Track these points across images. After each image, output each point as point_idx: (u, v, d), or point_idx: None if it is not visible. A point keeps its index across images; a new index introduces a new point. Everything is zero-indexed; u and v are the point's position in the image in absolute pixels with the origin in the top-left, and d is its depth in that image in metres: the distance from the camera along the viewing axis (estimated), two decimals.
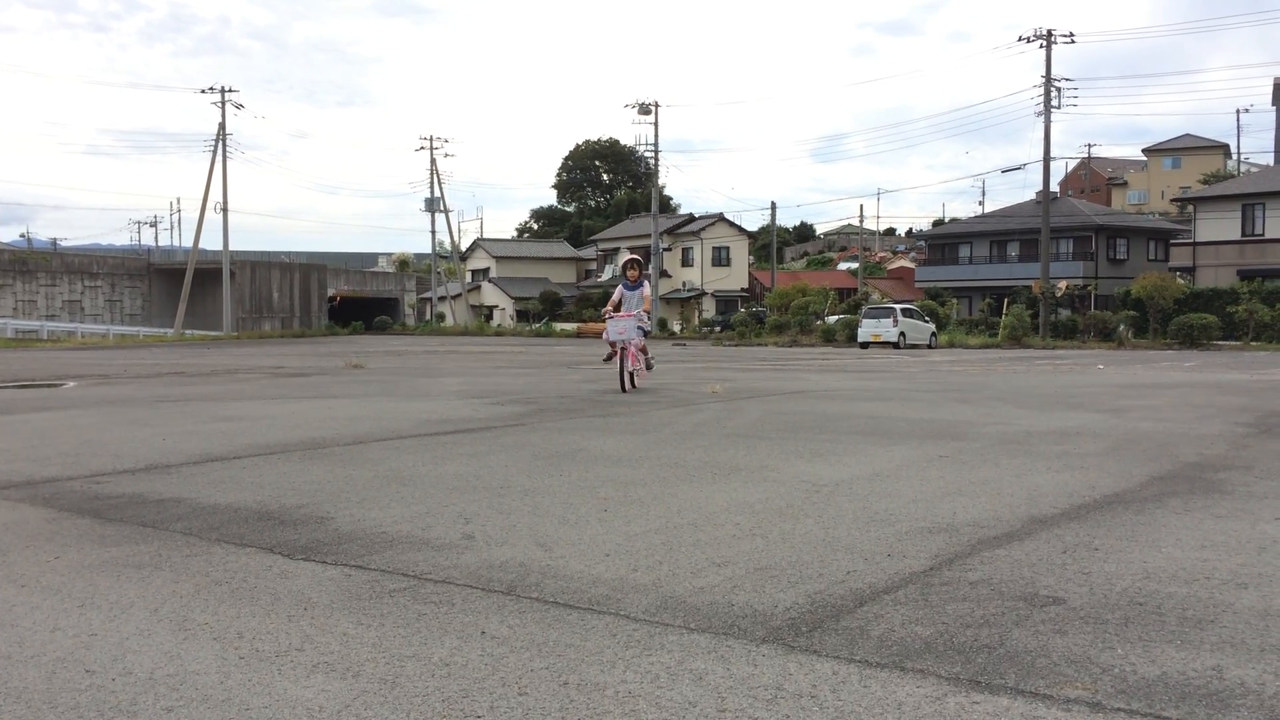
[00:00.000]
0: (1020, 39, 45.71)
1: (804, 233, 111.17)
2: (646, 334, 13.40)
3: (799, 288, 52.95)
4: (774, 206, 70.19)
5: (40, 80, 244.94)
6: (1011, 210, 65.67)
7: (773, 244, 70.66)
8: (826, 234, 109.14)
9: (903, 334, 38.83)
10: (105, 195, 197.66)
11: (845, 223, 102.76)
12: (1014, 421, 9.56)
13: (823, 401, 12.00)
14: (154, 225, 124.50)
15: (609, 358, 13.63)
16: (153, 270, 63.64)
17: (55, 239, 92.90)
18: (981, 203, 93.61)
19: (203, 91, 58.16)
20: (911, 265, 78.47)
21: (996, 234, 62.99)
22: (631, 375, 13.20)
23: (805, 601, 3.53)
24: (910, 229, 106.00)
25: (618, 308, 13.17)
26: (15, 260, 58.00)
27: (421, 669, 2.89)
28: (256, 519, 4.97)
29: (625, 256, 13.73)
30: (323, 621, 3.33)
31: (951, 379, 17.22)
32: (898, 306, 41.56)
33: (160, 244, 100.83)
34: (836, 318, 48.04)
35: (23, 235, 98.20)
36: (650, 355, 13.83)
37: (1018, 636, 3.15)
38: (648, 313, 13.23)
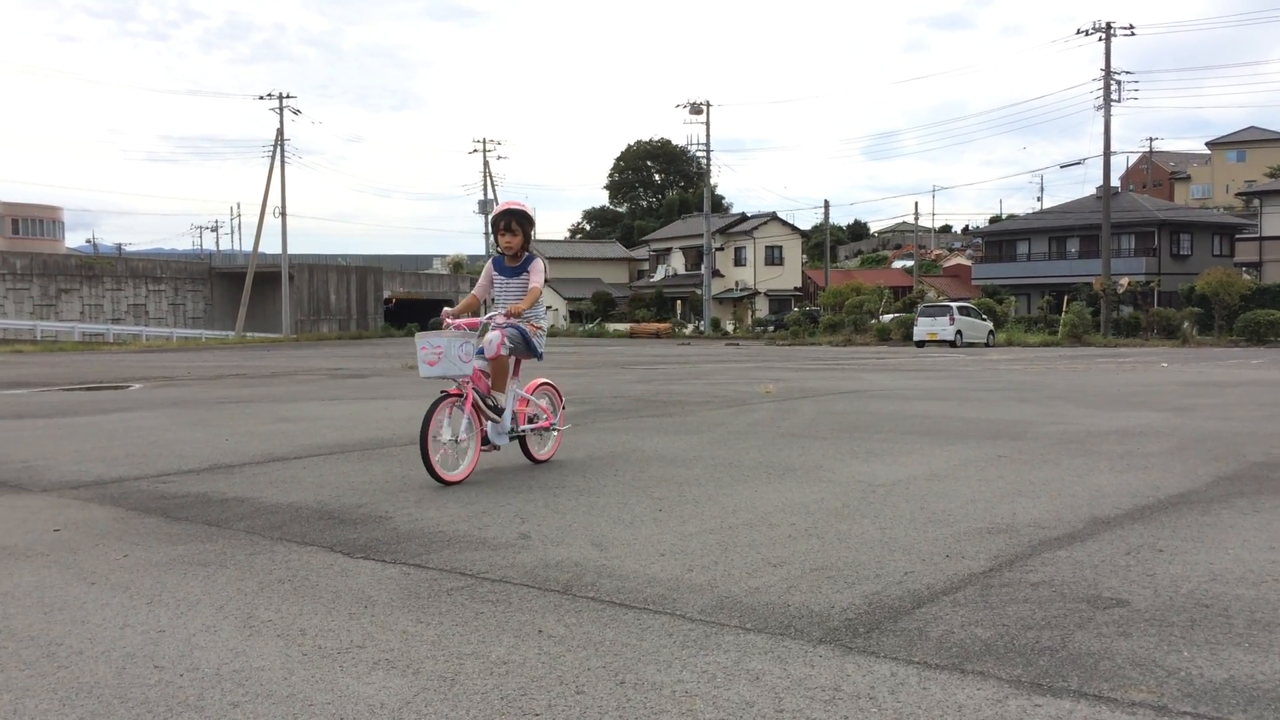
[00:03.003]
0: (1078, 32, 44.95)
1: (858, 231, 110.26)
2: (539, 354, 6.50)
3: (853, 286, 52.42)
4: (827, 205, 70.06)
5: (102, 88, 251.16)
6: (1071, 206, 64.58)
7: (826, 242, 70.20)
8: (880, 232, 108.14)
9: (959, 332, 38.38)
10: (167, 201, 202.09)
11: (900, 220, 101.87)
12: (1075, 421, 9.41)
13: (878, 401, 11.90)
14: (215, 230, 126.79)
15: (427, 449, 5.81)
16: (214, 274, 64.84)
17: (120, 244, 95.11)
18: (1039, 199, 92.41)
19: (261, 98, 59.06)
20: (968, 263, 77.49)
21: (1055, 230, 61.98)
22: (524, 446, 6.69)
23: (862, 602, 3.51)
24: (966, 226, 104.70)
25: (473, 311, 6.51)
26: (82, 265, 59.44)
27: (480, 667, 2.92)
28: (317, 518, 5.05)
29: (500, 207, 6.57)
30: (383, 619, 3.37)
31: (1010, 378, 16.98)
32: (954, 305, 41.05)
33: (221, 248, 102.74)
34: (891, 316, 47.58)
35: (89, 241, 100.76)
36: (560, 400, 7.03)
37: (1080, 639, 3.10)
38: (533, 333, 6.44)
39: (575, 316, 68.95)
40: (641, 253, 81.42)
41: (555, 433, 6.99)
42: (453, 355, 5.98)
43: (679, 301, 68.91)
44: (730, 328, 59.18)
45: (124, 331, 54.87)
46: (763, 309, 66.77)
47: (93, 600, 3.64)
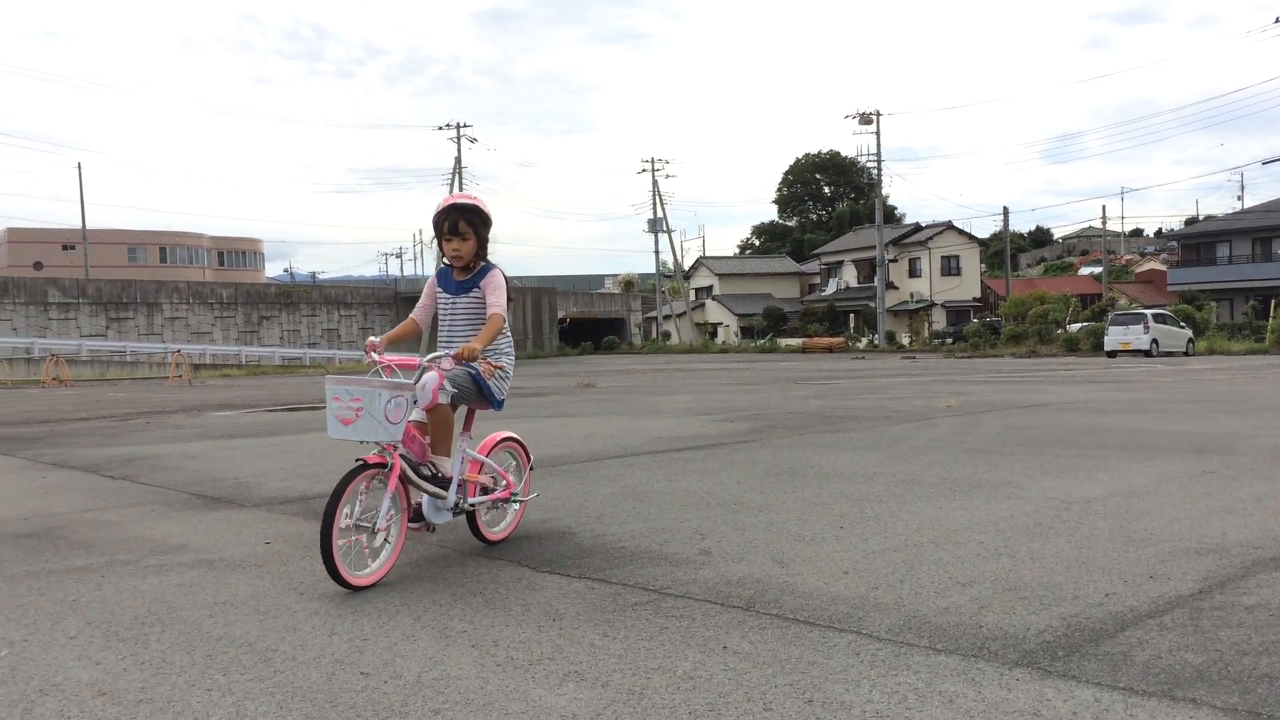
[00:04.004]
0: (1277, 20, 42.12)
1: (1040, 238, 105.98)
2: (496, 402, 4.82)
3: (1036, 295, 50.26)
4: (1006, 212, 67.33)
5: (294, 126, 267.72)
6: (1276, 204, 60.37)
7: (1005, 250, 67.70)
8: (1065, 238, 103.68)
9: (1155, 341, 36.32)
10: (355, 230, 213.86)
11: (1085, 225, 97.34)
12: None
13: (1068, 414, 11.39)
14: (399, 256, 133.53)
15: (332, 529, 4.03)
16: (399, 298, 67.83)
17: (314, 273, 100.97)
18: (1240, 197, 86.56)
19: (439, 128, 61.76)
20: (1162, 268, 73.40)
21: (1259, 230, 58.03)
22: (473, 523, 4.88)
23: (1060, 624, 3.37)
24: (1159, 229, 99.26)
25: (411, 338, 4.95)
26: (281, 294, 63.33)
27: (667, 681, 2.95)
28: None
29: (443, 203, 4.70)
30: (570, 632, 3.45)
31: (1213, 388, 15.97)
32: (1148, 312, 38.92)
33: (405, 273, 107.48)
34: (1079, 325, 45.44)
35: (286, 270, 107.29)
36: (528, 461, 5.49)
37: None
38: (489, 374, 4.68)
39: (746, 332, 68.81)
40: (812, 266, 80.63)
41: (517, 505, 5.17)
42: (376, 412, 4.25)
43: (851, 315, 67.86)
44: (906, 341, 57.82)
45: (319, 355, 58.04)
46: (939, 321, 64.98)
47: (302, 609, 3.86)
